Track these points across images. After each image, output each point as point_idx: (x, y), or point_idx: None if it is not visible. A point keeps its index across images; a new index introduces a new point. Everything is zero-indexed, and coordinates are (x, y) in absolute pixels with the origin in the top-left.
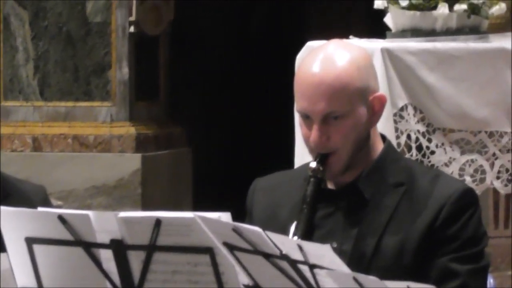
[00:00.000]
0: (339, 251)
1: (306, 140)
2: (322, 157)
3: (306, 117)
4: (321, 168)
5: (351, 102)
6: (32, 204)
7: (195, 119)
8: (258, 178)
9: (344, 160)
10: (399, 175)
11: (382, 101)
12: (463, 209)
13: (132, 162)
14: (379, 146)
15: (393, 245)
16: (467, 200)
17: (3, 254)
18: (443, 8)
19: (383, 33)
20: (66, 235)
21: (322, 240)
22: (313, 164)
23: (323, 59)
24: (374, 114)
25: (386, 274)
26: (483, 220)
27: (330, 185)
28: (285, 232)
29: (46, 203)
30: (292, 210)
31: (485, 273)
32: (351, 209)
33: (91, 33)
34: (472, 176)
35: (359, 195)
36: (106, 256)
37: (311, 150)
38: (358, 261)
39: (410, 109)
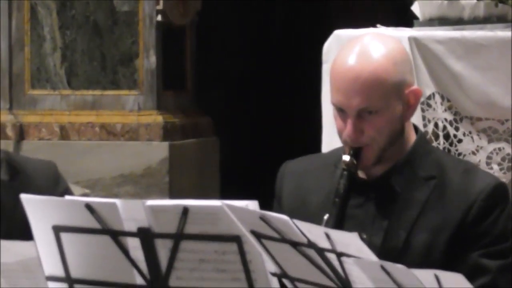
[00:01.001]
0: (368, 243)
1: (340, 133)
2: (355, 151)
3: (341, 111)
4: (354, 162)
5: (387, 97)
6: (41, 182)
7: (222, 108)
8: (287, 161)
9: (376, 153)
10: (430, 168)
11: (417, 95)
12: (494, 205)
13: (159, 150)
14: (412, 138)
15: (423, 240)
16: (498, 196)
17: (30, 243)
18: None
19: (410, 22)
20: (93, 224)
21: (352, 231)
22: (347, 158)
23: (359, 53)
24: (409, 108)
25: (415, 269)
26: None
27: (362, 175)
28: (314, 220)
29: (56, 179)
30: (323, 200)
31: None
32: (382, 201)
33: (118, 22)
34: (499, 164)
35: (390, 188)
36: (134, 245)
37: (345, 143)
38: (387, 254)
39: (438, 98)
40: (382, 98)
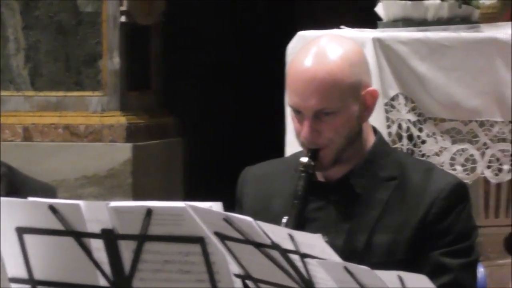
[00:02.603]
0: (330, 246)
1: (298, 134)
2: (313, 152)
3: (297, 112)
4: (312, 163)
5: (343, 98)
6: None
7: (187, 110)
8: (248, 167)
9: (334, 154)
10: (391, 169)
11: (374, 96)
12: (455, 203)
13: (123, 152)
14: (371, 140)
15: (385, 240)
16: (458, 195)
17: None
18: None
19: (375, 23)
20: (57, 225)
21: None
22: (304, 159)
23: (316, 54)
24: (366, 109)
25: (378, 269)
26: (473, 209)
27: (322, 179)
28: (276, 224)
29: None
30: (284, 203)
31: (476, 267)
32: (342, 203)
33: (82, 23)
34: (463, 165)
35: (350, 190)
36: (97, 246)
37: (302, 145)
38: (349, 256)
39: (401, 99)
40: (338, 99)
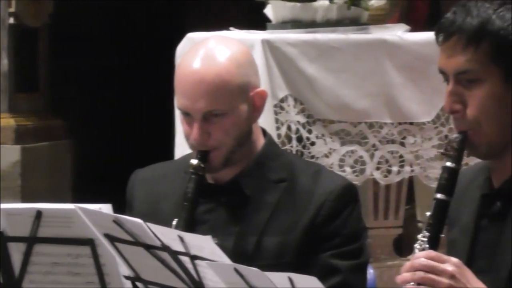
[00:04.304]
0: (220, 248)
1: (187, 137)
2: (202, 154)
3: (186, 114)
4: (202, 165)
5: (232, 100)
6: None
7: (76, 112)
8: (137, 170)
9: (224, 156)
10: (280, 171)
11: (263, 97)
12: (343, 205)
13: (11, 153)
14: (261, 142)
15: (274, 243)
16: (347, 197)
17: None
18: (323, 0)
19: (264, 25)
20: None
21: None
22: (194, 161)
23: (204, 56)
24: (255, 110)
25: (268, 271)
26: (363, 211)
27: (212, 181)
28: (167, 226)
29: None
30: (174, 205)
31: (365, 268)
32: (232, 205)
33: None
34: (352, 167)
35: (240, 192)
36: None
37: (192, 147)
38: (239, 258)
39: (291, 100)
40: (227, 100)
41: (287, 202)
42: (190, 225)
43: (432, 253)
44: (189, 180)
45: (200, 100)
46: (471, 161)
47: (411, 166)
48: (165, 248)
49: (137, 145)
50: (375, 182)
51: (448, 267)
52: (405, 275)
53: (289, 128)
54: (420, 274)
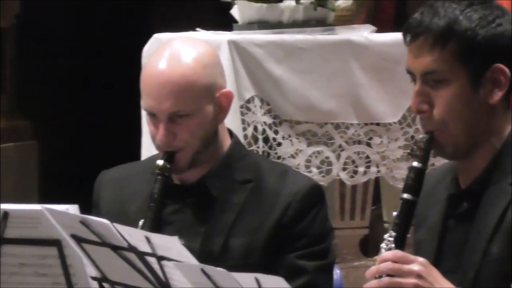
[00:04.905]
0: (187, 249)
1: (153, 137)
2: (169, 155)
3: (152, 115)
4: (168, 166)
5: (198, 100)
6: None
7: (43, 113)
8: (104, 171)
9: (190, 156)
10: (247, 171)
11: (229, 98)
12: (310, 206)
13: None
14: (227, 143)
15: (241, 243)
16: (313, 197)
17: None
18: (289, 1)
19: (230, 26)
20: None
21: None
22: (160, 162)
23: (169, 57)
24: (221, 111)
25: (235, 272)
26: (329, 211)
27: (178, 182)
28: (133, 227)
29: None
30: (141, 206)
31: (332, 268)
32: (198, 206)
33: None
34: (318, 167)
35: (206, 192)
36: None
37: (158, 148)
38: (206, 259)
39: (257, 101)
40: (192, 101)
41: (254, 202)
42: (157, 226)
43: (398, 253)
44: (155, 180)
45: (165, 101)
46: (437, 162)
47: (377, 166)
48: (132, 248)
49: (104, 146)
50: (341, 183)
51: (415, 267)
52: (371, 283)
53: (255, 129)
54: (386, 280)
